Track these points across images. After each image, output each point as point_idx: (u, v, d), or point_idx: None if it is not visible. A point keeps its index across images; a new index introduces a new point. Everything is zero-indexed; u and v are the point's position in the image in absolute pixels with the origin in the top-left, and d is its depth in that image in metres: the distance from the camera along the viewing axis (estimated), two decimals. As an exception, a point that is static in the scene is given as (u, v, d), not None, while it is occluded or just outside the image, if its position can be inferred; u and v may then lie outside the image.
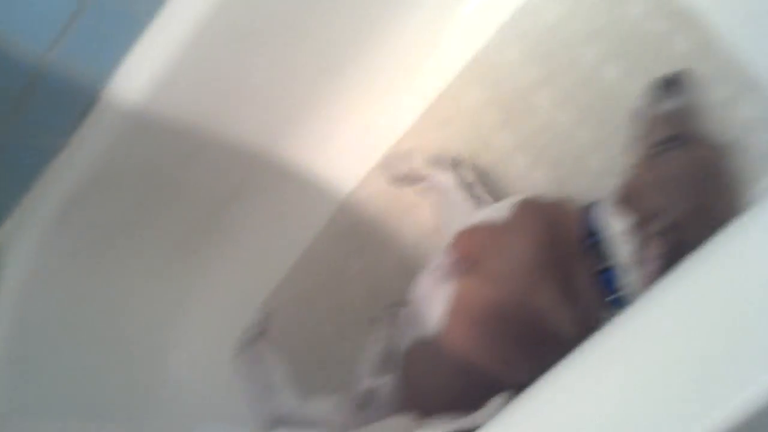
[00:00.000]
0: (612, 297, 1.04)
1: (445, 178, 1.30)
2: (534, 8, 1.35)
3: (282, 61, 1.35)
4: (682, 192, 1.02)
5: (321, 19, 1.34)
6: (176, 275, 1.50)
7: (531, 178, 1.33)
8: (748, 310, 0.50)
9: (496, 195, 1.31)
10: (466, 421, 1.09)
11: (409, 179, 1.39)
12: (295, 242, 1.52)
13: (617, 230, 1.06)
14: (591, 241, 1.07)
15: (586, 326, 0.90)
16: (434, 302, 1.14)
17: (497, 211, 1.14)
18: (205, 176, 1.43)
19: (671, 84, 1.05)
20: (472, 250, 1.12)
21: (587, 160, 1.29)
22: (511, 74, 1.37)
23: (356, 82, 1.46)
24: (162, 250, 1.47)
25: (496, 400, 1.04)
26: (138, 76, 1.22)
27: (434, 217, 1.38)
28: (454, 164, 1.34)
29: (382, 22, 1.41)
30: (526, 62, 1.36)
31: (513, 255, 1.07)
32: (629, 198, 1.05)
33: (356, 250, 1.48)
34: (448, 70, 1.43)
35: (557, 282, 1.04)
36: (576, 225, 1.08)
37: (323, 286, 1.49)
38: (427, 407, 1.12)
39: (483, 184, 1.33)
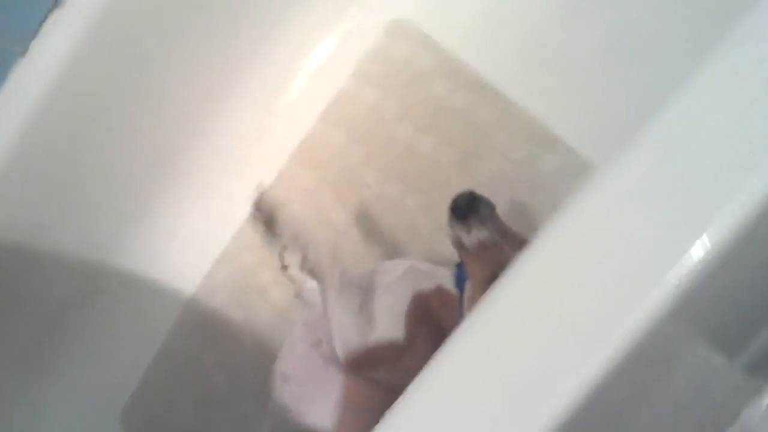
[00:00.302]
0: None
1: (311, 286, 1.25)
2: (353, 92, 1.46)
3: (110, 159, 1.37)
4: None
5: (148, 116, 1.38)
6: (25, 390, 1.46)
7: (369, 250, 1.42)
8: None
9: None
10: None
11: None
12: (147, 341, 1.52)
13: None
14: None
15: None
16: (324, 392, 1.12)
17: (391, 331, 1.11)
18: (43, 286, 1.41)
19: (466, 213, 1.03)
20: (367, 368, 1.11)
21: (417, 224, 1.40)
22: (339, 154, 1.47)
23: (190, 176, 1.50)
24: (8, 366, 1.42)
25: None
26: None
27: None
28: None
29: (209, 114, 1.47)
30: (351, 142, 1.46)
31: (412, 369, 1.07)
32: None
33: (212, 339, 1.50)
34: (279, 156, 1.51)
35: None
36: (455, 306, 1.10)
37: (182, 380, 1.50)
38: None
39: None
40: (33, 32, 1.20)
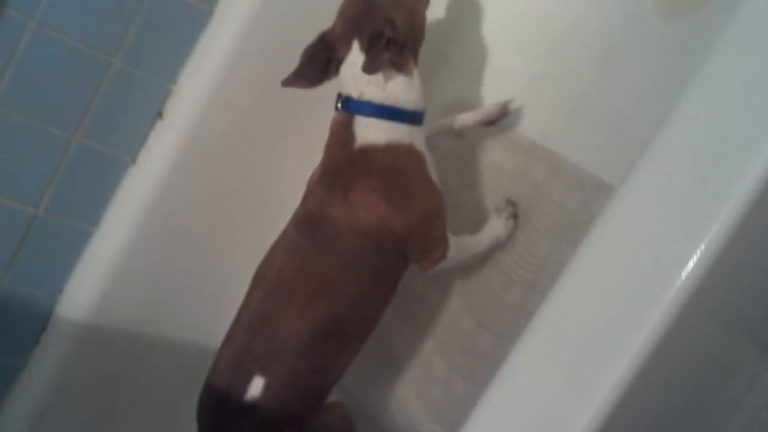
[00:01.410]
0: None
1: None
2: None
3: (214, 253, 1.52)
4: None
5: (242, 210, 1.53)
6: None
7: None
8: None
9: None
10: None
11: None
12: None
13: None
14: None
15: None
16: None
17: None
18: (158, 374, 1.54)
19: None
20: None
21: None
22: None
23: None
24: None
25: None
26: (84, 289, 1.38)
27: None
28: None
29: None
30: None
31: None
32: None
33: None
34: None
35: None
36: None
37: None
38: None
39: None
40: (141, 142, 1.39)
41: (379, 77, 1.17)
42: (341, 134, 1.21)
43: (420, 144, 1.22)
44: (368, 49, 1.15)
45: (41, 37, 1.22)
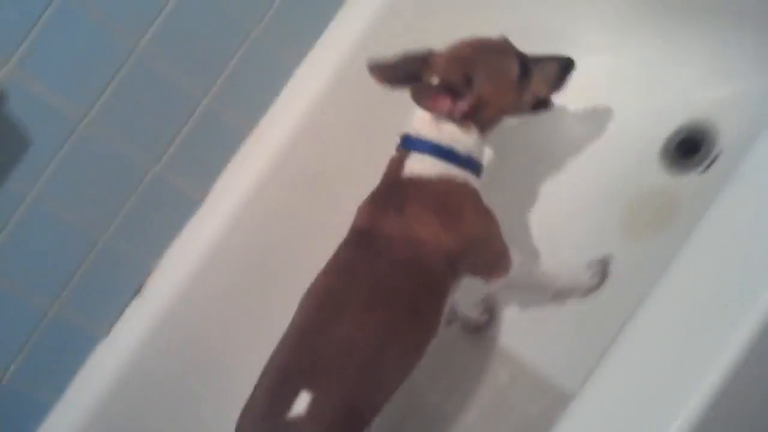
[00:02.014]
0: None
1: None
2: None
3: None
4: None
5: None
6: None
7: None
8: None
9: None
10: None
11: None
12: None
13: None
14: None
15: None
16: None
17: None
18: None
19: None
20: None
21: None
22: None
23: None
24: None
25: None
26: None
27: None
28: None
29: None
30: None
31: None
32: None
33: None
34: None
35: None
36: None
37: None
38: None
39: None
40: (116, 316, 1.41)
41: (431, 119, 1.21)
42: (393, 167, 1.24)
43: (475, 183, 1.24)
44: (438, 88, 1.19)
45: (36, 211, 1.26)
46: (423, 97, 1.17)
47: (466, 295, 1.34)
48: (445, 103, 1.18)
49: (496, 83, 1.22)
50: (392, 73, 1.23)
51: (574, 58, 1.26)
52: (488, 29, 1.25)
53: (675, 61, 1.44)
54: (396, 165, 1.24)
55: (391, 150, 1.27)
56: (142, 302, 1.41)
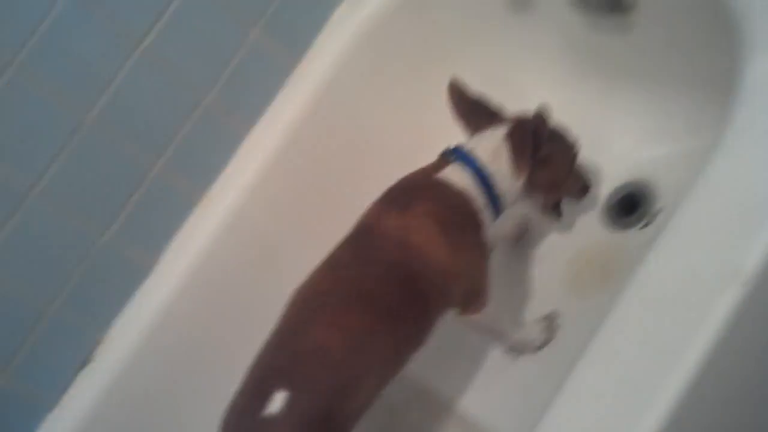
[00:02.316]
0: None
1: None
2: None
3: None
4: None
5: None
6: None
7: None
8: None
9: None
10: None
11: None
12: None
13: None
14: None
15: None
16: None
17: None
18: None
19: None
20: None
21: None
22: None
23: None
24: None
25: None
26: None
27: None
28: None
29: None
30: None
31: None
32: None
33: None
34: None
35: None
36: None
37: None
38: None
39: None
40: (64, 388, 1.39)
41: (496, 149, 1.26)
42: (427, 169, 1.27)
43: (488, 219, 1.27)
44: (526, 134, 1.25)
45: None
46: (521, 137, 1.24)
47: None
48: (530, 145, 1.24)
49: (564, 157, 1.33)
50: (465, 105, 1.31)
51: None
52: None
53: (615, 124, 1.50)
54: (431, 168, 1.27)
55: (342, 212, 1.28)
56: (91, 373, 1.39)
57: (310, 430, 1.09)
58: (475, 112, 1.31)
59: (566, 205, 1.45)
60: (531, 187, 1.31)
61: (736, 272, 0.91)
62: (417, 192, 1.24)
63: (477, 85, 1.33)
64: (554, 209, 1.43)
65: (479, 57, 1.33)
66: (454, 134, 1.34)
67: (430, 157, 1.32)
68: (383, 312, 1.16)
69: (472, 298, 1.28)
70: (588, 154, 1.48)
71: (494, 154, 1.26)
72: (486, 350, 1.48)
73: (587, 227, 1.48)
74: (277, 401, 1.07)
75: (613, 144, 1.49)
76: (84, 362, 1.40)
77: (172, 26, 1.32)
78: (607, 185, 1.48)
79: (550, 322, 1.42)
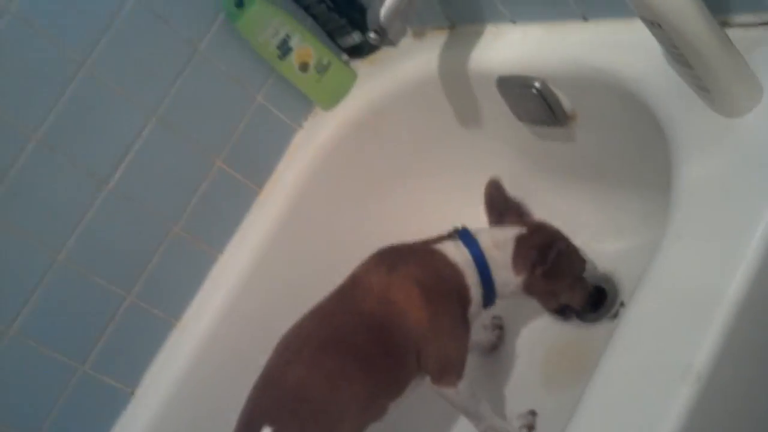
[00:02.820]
0: None
1: None
2: None
3: None
4: None
5: None
6: None
7: None
8: None
9: None
10: None
11: None
12: None
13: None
14: None
15: None
16: None
17: None
18: None
19: None
20: None
21: None
22: None
23: None
24: None
25: None
26: None
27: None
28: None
29: None
30: None
31: None
32: None
33: None
34: None
35: None
36: None
37: None
38: None
39: None
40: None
41: (503, 242, 1.31)
42: (432, 238, 1.32)
43: (477, 301, 1.30)
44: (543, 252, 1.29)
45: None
46: (529, 246, 1.29)
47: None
48: (533, 257, 1.29)
49: (565, 273, 1.35)
50: (498, 200, 1.39)
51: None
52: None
53: (574, 222, 1.54)
54: (432, 239, 1.32)
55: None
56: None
57: None
58: (505, 210, 1.39)
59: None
60: (529, 289, 1.36)
61: (687, 369, 0.93)
62: (409, 255, 1.30)
63: (437, 192, 1.38)
64: (559, 313, 1.45)
65: (437, 167, 1.38)
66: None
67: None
68: (358, 358, 1.23)
69: (446, 368, 1.30)
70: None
71: (498, 245, 1.32)
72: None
73: (557, 323, 1.50)
74: None
75: (572, 240, 1.53)
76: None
77: (136, 163, 1.40)
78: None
79: (530, 419, 1.42)
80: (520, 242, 1.33)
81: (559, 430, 1.03)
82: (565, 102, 1.31)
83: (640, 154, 1.29)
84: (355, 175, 1.44)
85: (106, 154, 1.37)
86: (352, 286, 1.30)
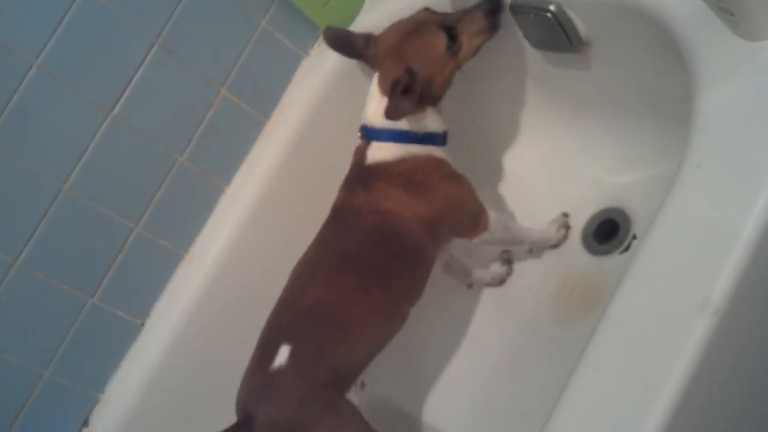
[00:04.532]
0: None
1: None
2: None
3: None
4: None
5: None
6: None
7: None
8: None
9: None
10: None
11: None
12: None
13: None
14: None
15: None
16: None
17: None
18: None
19: None
20: None
21: None
22: None
23: None
24: None
25: None
26: None
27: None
28: None
29: None
30: None
31: None
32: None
33: None
34: None
35: None
36: None
37: None
38: None
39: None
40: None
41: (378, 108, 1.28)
42: (358, 156, 1.32)
43: (439, 153, 1.31)
44: (390, 94, 1.25)
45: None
46: (399, 113, 1.24)
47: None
48: (411, 107, 1.23)
49: (432, 61, 1.28)
50: (341, 43, 1.36)
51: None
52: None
53: (585, 152, 1.52)
54: (360, 154, 1.32)
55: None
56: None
57: (314, 377, 1.19)
58: (349, 48, 1.37)
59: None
60: (439, 95, 1.32)
61: (705, 302, 0.91)
62: (369, 175, 1.30)
63: (452, 125, 1.36)
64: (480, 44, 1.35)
65: (448, 97, 1.35)
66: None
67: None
68: (373, 270, 1.26)
69: (471, 222, 1.35)
70: (561, 183, 1.50)
71: (381, 109, 1.28)
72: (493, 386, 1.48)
73: (568, 256, 1.49)
74: (283, 354, 1.19)
75: (585, 172, 1.51)
76: (83, 424, 1.43)
77: (139, 91, 1.36)
78: (584, 213, 1.49)
79: (564, 221, 1.49)
80: (396, 107, 1.25)
81: (572, 364, 1.03)
82: (581, 27, 1.27)
83: (658, 83, 1.26)
84: (363, 105, 1.40)
85: (109, 82, 1.33)
86: (340, 214, 1.32)
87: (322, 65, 1.52)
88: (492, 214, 1.36)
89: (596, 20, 1.25)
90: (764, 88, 0.96)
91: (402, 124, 1.28)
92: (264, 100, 1.53)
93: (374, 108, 1.30)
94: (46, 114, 1.28)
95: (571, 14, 1.25)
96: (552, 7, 1.24)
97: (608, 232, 1.48)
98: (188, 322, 1.45)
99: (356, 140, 1.35)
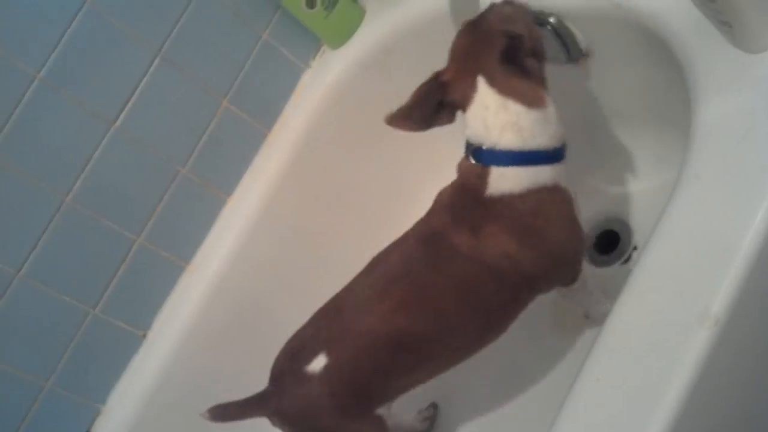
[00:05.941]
0: None
1: None
2: None
3: None
4: None
5: None
6: None
7: None
8: None
9: None
10: None
11: None
12: None
13: None
14: None
15: None
16: None
17: None
18: None
19: None
20: None
21: None
22: None
23: None
24: None
25: None
26: None
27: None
28: None
29: None
30: None
31: None
32: None
33: None
34: None
35: None
36: None
37: None
38: None
39: None
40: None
41: (513, 120, 1.05)
42: (472, 181, 1.10)
43: (563, 180, 1.11)
44: (507, 60, 1.05)
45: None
46: (534, 72, 1.07)
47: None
48: (532, 62, 1.07)
49: (525, 24, 1.12)
50: (417, 116, 1.12)
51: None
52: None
53: (587, 164, 1.52)
54: (476, 179, 1.10)
55: (325, 267, 1.29)
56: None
57: (339, 398, 1.16)
58: (428, 111, 1.13)
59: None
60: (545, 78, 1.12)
61: (705, 313, 0.92)
62: (484, 212, 1.10)
63: (449, 133, 1.35)
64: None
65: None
66: (432, 183, 1.33)
67: (407, 207, 1.33)
68: (446, 321, 1.14)
69: (572, 277, 1.20)
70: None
71: (509, 128, 1.07)
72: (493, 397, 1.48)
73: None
74: (318, 363, 1.14)
75: (586, 182, 1.51)
76: (87, 432, 1.42)
77: (141, 103, 1.37)
78: (585, 224, 1.49)
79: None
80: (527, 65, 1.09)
81: (572, 375, 1.03)
82: (581, 39, 1.28)
83: (657, 94, 1.26)
84: (364, 116, 1.41)
85: (111, 94, 1.34)
86: (434, 242, 1.14)
87: (324, 77, 1.53)
88: (586, 273, 1.22)
89: (595, 32, 1.26)
90: (763, 99, 0.96)
91: (529, 140, 1.07)
92: (265, 111, 1.54)
93: (493, 120, 1.07)
94: (48, 126, 1.28)
95: (571, 27, 1.26)
96: (552, 20, 1.25)
97: (609, 242, 1.48)
98: (190, 333, 1.45)
99: (358, 155, 1.34)
